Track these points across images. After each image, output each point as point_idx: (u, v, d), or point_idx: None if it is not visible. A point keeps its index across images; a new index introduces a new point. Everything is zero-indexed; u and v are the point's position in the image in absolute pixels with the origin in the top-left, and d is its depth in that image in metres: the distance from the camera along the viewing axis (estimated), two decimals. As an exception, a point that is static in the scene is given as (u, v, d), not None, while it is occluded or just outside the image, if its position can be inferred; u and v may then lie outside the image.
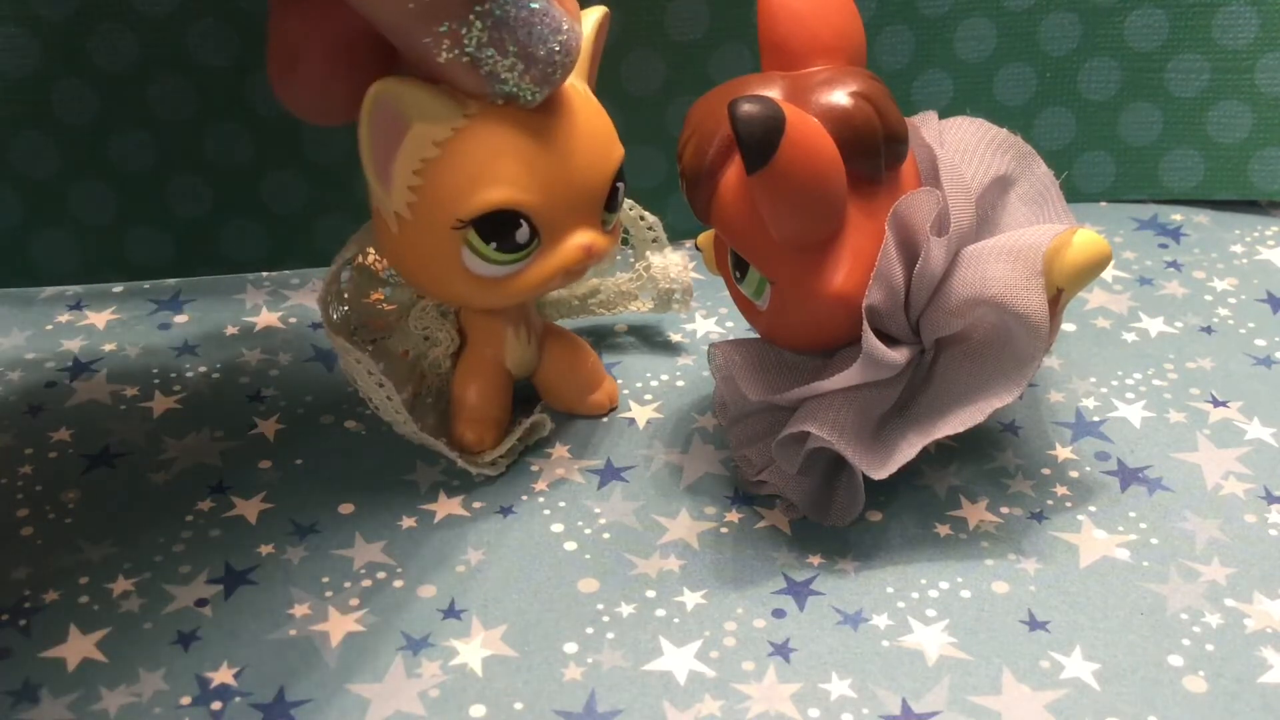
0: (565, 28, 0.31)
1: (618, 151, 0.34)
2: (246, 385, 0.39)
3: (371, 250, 0.36)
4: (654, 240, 0.40)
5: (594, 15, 0.34)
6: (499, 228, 0.32)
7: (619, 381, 0.39)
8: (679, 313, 0.41)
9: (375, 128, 0.31)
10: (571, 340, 0.38)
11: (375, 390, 0.34)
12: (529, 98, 0.31)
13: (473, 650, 0.31)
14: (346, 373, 0.35)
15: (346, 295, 0.36)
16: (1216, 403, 0.38)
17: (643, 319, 0.42)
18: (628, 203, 0.39)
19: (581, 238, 0.33)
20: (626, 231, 0.40)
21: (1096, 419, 0.38)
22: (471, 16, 0.30)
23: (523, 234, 0.32)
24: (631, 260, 0.41)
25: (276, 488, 0.36)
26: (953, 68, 0.46)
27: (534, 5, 0.30)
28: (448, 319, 0.36)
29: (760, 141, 0.29)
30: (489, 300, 0.34)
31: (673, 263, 0.40)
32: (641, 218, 0.40)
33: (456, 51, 0.30)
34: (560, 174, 0.32)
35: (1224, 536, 0.34)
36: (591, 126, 0.33)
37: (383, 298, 0.36)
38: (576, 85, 0.33)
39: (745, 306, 0.34)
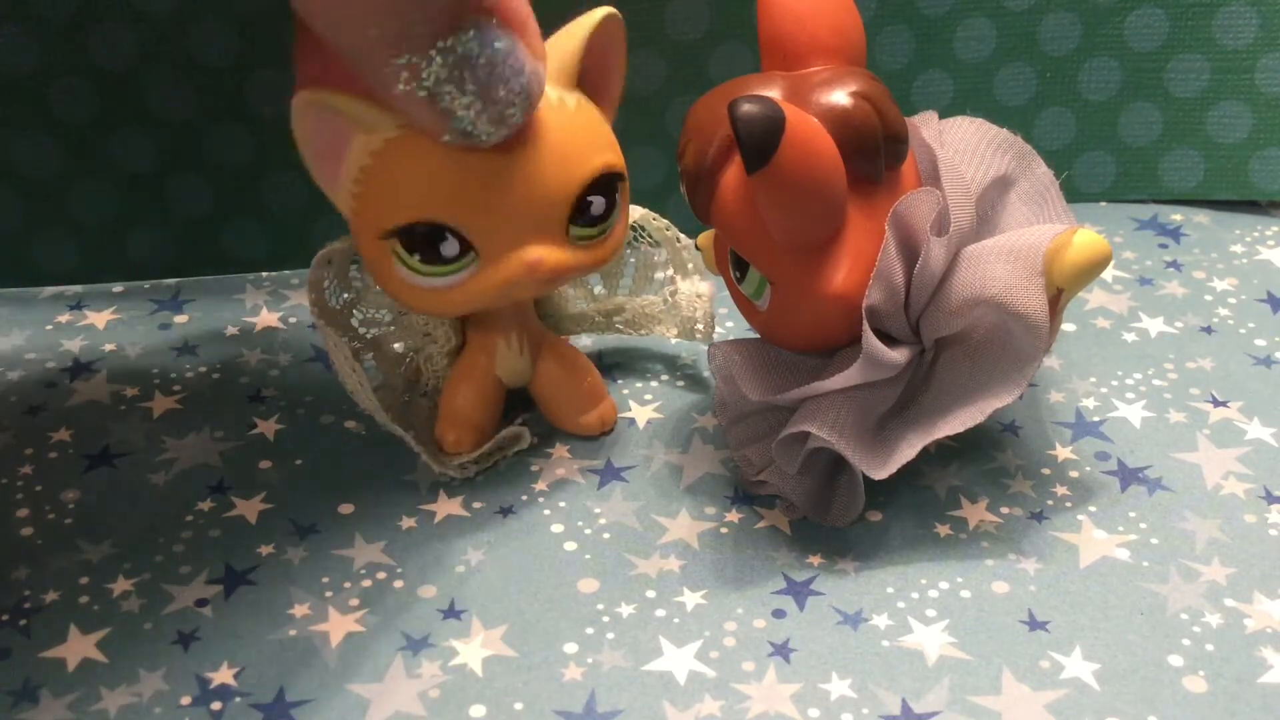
0: (528, 70, 0.30)
1: (593, 163, 0.32)
2: (246, 385, 0.39)
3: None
4: (689, 267, 0.39)
5: (594, 17, 0.33)
6: (421, 241, 0.32)
7: (618, 381, 0.39)
8: (701, 341, 0.39)
9: (314, 138, 0.31)
10: (571, 357, 0.37)
11: (349, 375, 0.34)
12: (484, 138, 0.30)
13: (473, 650, 0.31)
14: (333, 362, 0.35)
15: (357, 283, 0.36)
16: (1216, 403, 0.38)
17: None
18: (664, 223, 0.39)
19: (529, 254, 0.32)
20: (656, 244, 0.39)
21: (1096, 419, 0.38)
22: (433, 52, 0.29)
23: (449, 248, 0.32)
24: (662, 282, 0.40)
25: (276, 488, 0.36)
26: (953, 68, 0.46)
27: (498, 45, 0.30)
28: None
29: (760, 141, 0.29)
30: (435, 308, 0.33)
31: (698, 292, 0.39)
32: (678, 240, 0.39)
33: (414, 85, 0.29)
34: (501, 188, 0.31)
35: (1224, 536, 0.34)
36: (553, 139, 0.32)
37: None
38: (549, 94, 0.32)
39: (745, 306, 0.34)
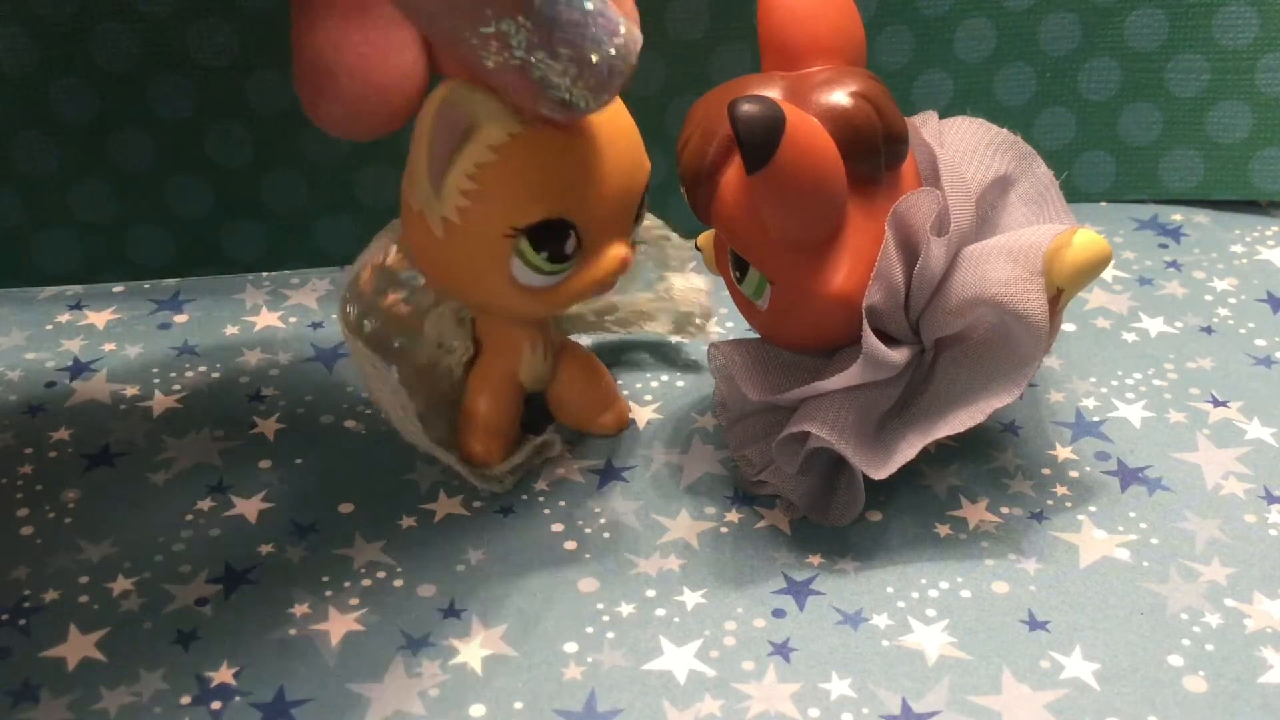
0: (622, 30, 0.29)
1: (647, 164, 0.33)
2: (246, 385, 0.39)
3: (392, 250, 0.35)
4: (681, 262, 0.39)
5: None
6: (551, 237, 0.32)
7: (618, 381, 0.39)
8: (696, 337, 0.40)
9: (439, 130, 0.31)
10: (587, 359, 0.37)
11: (389, 399, 0.34)
12: (583, 105, 0.29)
13: (473, 650, 0.31)
14: (365, 384, 0.34)
15: (367, 300, 0.36)
16: (1216, 403, 0.38)
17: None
18: (656, 222, 0.39)
19: (619, 250, 0.33)
20: (643, 243, 0.39)
21: (1096, 419, 0.38)
22: (520, 16, 0.28)
23: (570, 244, 0.32)
24: (652, 279, 0.40)
25: (276, 488, 0.36)
26: (953, 68, 0.46)
27: (588, 6, 0.29)
28: (464, 327, 0.36)
29: (760, 141, 0.29)
30: (530, 309, 0.33)
31: (694, 286, 0.39)
32: (666, 238, 0.39)
33: (505, 55, 0.28)
34: (604, 185, 0.32)
35: (1224, 536, 0.34)
36: (629, 138, 0.33)
37: (400, 299, 0.36)
38: None
39: (745, 306, 0.34)
